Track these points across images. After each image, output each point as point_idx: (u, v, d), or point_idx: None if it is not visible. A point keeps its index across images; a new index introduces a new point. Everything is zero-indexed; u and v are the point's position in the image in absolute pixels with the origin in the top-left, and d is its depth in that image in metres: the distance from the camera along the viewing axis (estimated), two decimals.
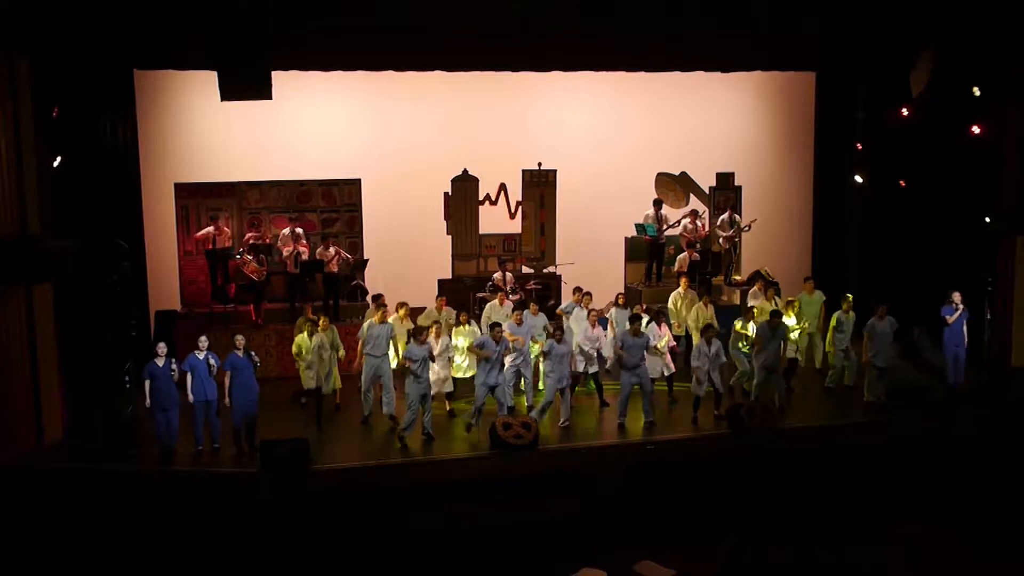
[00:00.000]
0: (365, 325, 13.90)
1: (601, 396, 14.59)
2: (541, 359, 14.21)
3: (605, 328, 15.02)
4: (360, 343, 13.82)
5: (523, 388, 14.34)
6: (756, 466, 13.30)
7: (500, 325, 13.71)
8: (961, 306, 14.81)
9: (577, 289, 15.70)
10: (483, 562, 12.00)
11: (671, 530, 12.42)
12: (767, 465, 13.33)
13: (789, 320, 14.98)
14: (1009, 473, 13.62)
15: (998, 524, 12.82)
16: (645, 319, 14.55)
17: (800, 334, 15.29)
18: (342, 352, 14.35)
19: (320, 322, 13.96)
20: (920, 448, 13.78)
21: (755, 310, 14.94)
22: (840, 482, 13.29)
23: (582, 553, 11.68)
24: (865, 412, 14.36)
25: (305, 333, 13.72)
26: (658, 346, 14.23)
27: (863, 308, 15.19)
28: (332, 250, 16.78)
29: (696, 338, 14.63)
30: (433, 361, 13.54)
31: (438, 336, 13.96)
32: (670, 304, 16.05)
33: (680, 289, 16.23)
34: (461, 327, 14.59)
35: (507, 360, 13.64)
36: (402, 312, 14.62)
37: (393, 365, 13.88)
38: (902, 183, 17.71)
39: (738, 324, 14.71)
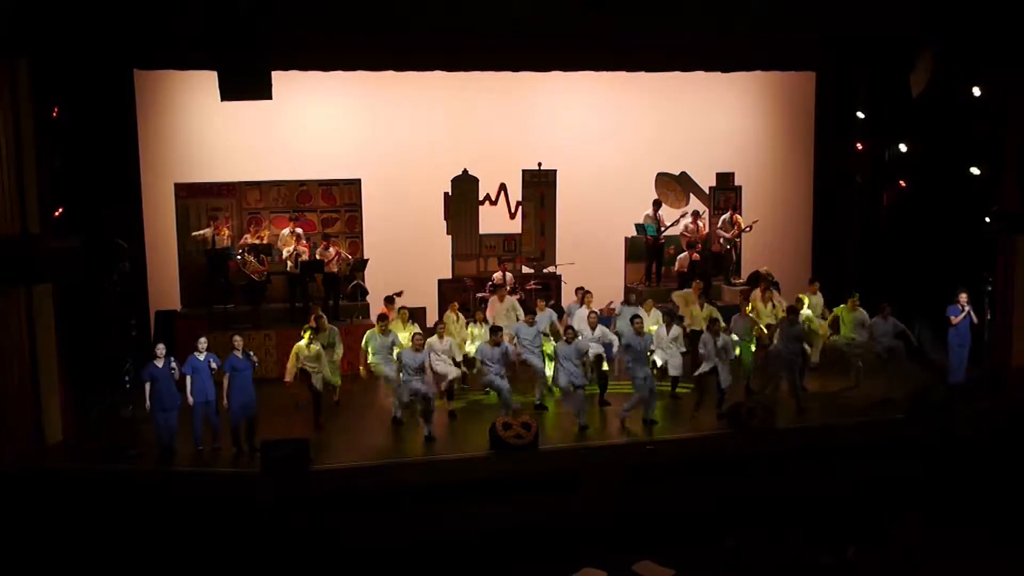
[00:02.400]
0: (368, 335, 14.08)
1: (603, 395, 14.59)
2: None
3: (608, 326, 15.05)
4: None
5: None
6: (756, 466, 13.30)
7: (500, 329, 13.76)
8: (968, 307, 14.83)
9: (579, 289, 15.74)
10: (483, 562, 12.00)
11: (671, 530, 12.43)
12: (767, 465, 13.33)
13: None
14: (1009, 473, 13.63)
15: (998, 524, 12.82)
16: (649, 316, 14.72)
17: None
18: (339, 352, 14.40)
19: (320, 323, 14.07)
20: (920, 448, 13.79)
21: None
22: (840, 482, 13.29)
23: (582, 553, 11.69)
24: (865, 412, 14.35)
25: (304, 340, 13.68)
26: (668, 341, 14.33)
27: (864, 308, 15.22)
28: (332, 250, 16.79)
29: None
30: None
31: (441, 337, 14.04)
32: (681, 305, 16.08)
33: (691, 291, 16.21)
34: (476, 324, 14.83)
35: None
36: (403, 317, 14.68)
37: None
38: (902, 183, 17.69)
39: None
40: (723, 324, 14.34)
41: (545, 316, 15.06)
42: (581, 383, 13.57)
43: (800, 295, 15.94)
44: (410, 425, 13.52)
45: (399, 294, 15.49)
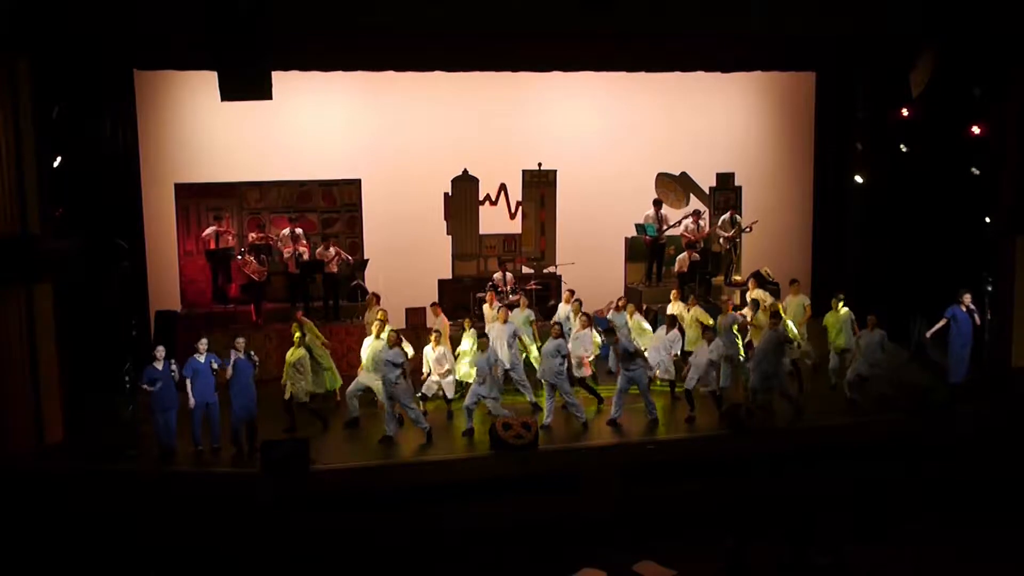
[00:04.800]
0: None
1: (597, 397, 14.59)
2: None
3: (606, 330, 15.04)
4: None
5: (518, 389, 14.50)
6: (756, 466, 13.30)
7: (487, 336, 13.74)
8: (971, 307, 14.85)
9: (570, 292, 15.88)
10: (483, 562, 12.00)
11: (671, 530, 12.43)
12: (767, 465, 13.33)
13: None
14: (1009, 473, 13.63)
15: (998, 524, 12.82)
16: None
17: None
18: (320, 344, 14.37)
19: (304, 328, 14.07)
20: (920, 448, 13.78)
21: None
22: (840, 482, 13.29)
23: (582, 553, 11.69)
24: (865, 412, 14.35)
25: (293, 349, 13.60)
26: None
27: (862, 308, 15.20)
28: (332, 250, 16.78)
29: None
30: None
31: (437, 343, 14.01)
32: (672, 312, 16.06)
33: (673, 294, 16.26)
34: (467, 331, 14.66)
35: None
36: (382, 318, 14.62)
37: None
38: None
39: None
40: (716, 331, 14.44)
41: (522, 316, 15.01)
42: (555, 381, 13.59)
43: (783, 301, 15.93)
44: (410, 425, 13.49)
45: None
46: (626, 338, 13.88)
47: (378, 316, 14.30)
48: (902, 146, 17.42)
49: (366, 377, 13.77)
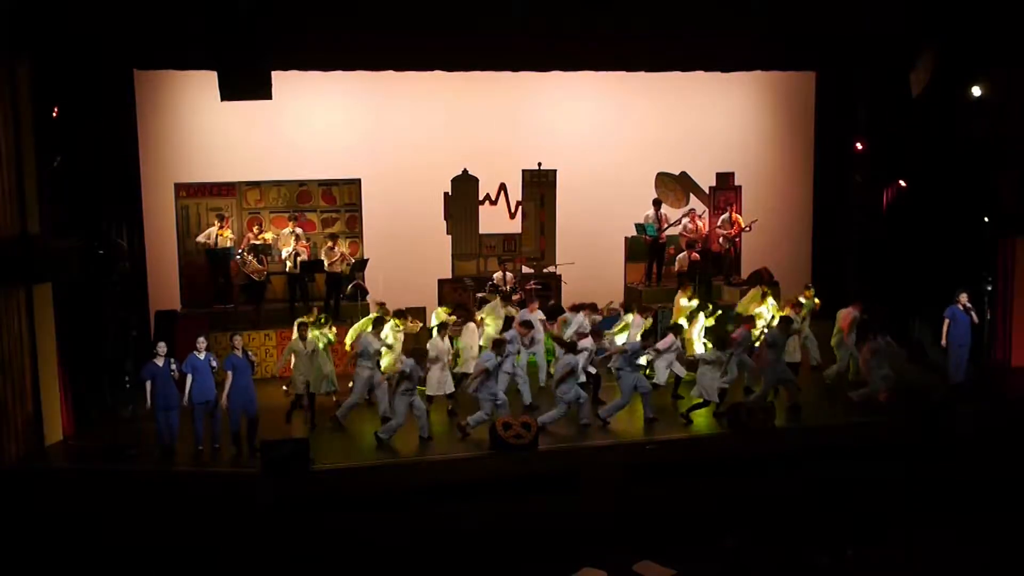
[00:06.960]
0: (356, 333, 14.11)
1: (596, 393, 14.59)
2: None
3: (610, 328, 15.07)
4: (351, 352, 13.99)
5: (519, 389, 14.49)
6: (756, 466, 13.30)
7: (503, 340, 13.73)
8: (968, 306, 14.85)
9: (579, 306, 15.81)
10: (483, 562, 12.00)
11: (671, 530, 12.43)
12: (767, 465, 13.33)
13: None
14: (1009, 473, 13.63)
15: (998, 524, 12.82)
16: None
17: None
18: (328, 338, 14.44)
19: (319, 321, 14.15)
20: (920, 448, 13.79)
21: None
22: (841, 482, 13.29)
23: (582, 553, 11.69)
24: (865, 412, 14.35)
25: (296, 337, 13.68)
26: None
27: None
28: (337, 250, 16.77)
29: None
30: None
31: (443, 337, 14.01)
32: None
33: (681, 295, 16.27)
34: (469, 327, 14.68)
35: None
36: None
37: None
38: (902, 183, 17.68)
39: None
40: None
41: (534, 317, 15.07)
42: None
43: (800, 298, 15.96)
44: (409, 425, 13.49)
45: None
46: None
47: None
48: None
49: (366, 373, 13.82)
